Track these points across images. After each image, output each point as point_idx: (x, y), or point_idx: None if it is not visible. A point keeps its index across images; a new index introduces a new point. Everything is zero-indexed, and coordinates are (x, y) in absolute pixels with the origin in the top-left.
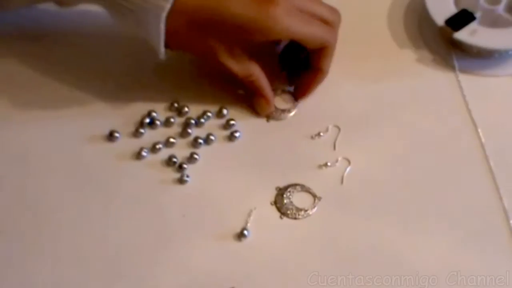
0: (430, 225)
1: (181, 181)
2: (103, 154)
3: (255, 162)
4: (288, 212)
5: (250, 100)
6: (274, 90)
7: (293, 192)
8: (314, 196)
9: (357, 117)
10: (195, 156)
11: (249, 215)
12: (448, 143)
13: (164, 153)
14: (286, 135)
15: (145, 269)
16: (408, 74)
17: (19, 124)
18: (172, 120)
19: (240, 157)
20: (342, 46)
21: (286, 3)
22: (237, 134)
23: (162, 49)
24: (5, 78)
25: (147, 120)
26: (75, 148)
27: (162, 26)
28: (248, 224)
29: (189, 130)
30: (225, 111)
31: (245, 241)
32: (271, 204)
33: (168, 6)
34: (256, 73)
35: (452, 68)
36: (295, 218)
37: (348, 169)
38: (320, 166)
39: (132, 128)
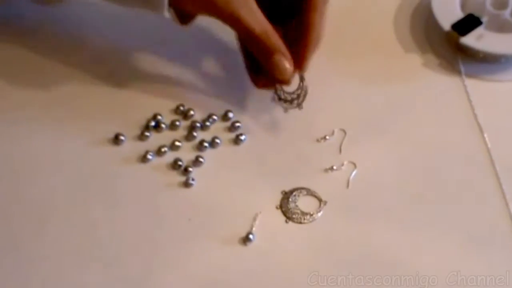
0: (435, 229)
1: (186, 184)
2: (108, 157)
3: (261, 165)
4: (294, 216)
5: (257, 102)
6: None
7: (298, 196)
8: (320, 200)
9: (363, 120)
10: (201, 159)
11: (254, 219)
12: (454, 147)
13: (170, 156)
14: (291, 139)
15: (149, 273)
16: (414, 78)
17: (23, 127)
18: (177, 123)
19: (246, 161)
20: (348, 50)
21: None
22: (242, 138)
23: (165, 2)
24: (8, 80)
25: (153, 123)
26: (80, 151)
27: None
28: (254, 228)
29: (195, 133)
30: (230, 114)
31: (250, 245)
32: (277, 208)
33: None
34: (270, 28)
35: (458, 72)
36: (301, 223)
37: (354, 173)
38: (325, 170)
39: (137, 131)
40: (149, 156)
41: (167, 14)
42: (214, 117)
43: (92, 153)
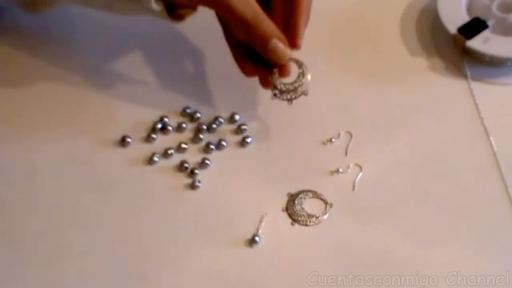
0: (435, 229)
1: (192, 186)
2: (115, 159)
3: (267, 167)
4: (300, 218)
5: (263, 104)
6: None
7: (304, 198)
8: (326, 202)
9: (369, 123)
10: (207, 161)
11: (260, 221)
12: (460, 151)
13: (176, 158)
14: (297, 141)
15: (155, 275)
16: (420, 81)
17: (30, 130)
18: (184, 125)
19: (252, 163)
20: (355, 53)
21: None
22: (248, 140)
23: None
24: (16, 83)
25: (159, 126)
26: (87, 153)
27: None
28: (260, 231)
29: (201, 136)
30: (237, 117)
31: (256, 248)
32: (283, 210)
33: None
34: (263, 13)
35: (464, 76)
36: (306, 225)
37: (359, 175)
38: (331, 172)
39: (144, 134)
40: (155, 158)
41: (155, 6)
42: (221, 119)
43: (99, 155)
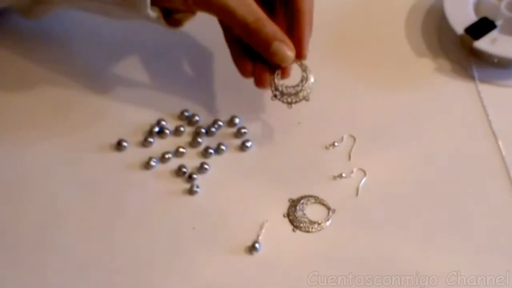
0: (436, 229)
1: (190, 192)
2: (110, 163)
3: (267, 172)
4: (301, 225)
5: (263, 107)
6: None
7: (306, 204)
8: (328, 208)
9: (373, 126)
10: (205, 166)
11: (261, 227)
12: (468, 154)
13: (174, 163)
14: (299, 145)
15: (153, 282)
16: (426, 83)
17: (25, 133)
18: (182, 129)
19: (252, 168)
20: (359, 54)
21: None
22: (248, 144)
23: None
24: (13, 86)
25: (156, 129)
26: (82, 157)
27: None
28: (260, 237)
29: (199, 140)
30: (236, 120)
31: (256, 255)
32: (284, 216)
33: None
34: (265, 16)
35: (471, 77)
36: (308, 231)
37: (363, 180)
38: (334, 177)
39: (140, 137)
40: (152, 163)
41: (151, 13)
42: (220, 122)
43: (94, 160)
